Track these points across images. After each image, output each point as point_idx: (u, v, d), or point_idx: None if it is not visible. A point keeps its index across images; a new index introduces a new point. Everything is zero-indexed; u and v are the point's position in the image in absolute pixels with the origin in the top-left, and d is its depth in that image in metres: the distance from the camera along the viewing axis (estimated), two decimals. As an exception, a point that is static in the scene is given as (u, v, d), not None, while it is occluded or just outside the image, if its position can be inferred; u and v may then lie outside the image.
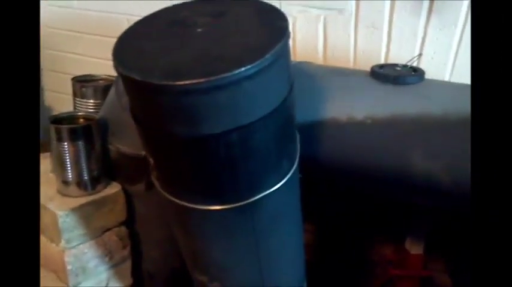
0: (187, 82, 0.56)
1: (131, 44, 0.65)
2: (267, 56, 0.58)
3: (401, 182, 0.82)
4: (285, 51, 0.63)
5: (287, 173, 0.73)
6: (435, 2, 1.11)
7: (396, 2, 1.15)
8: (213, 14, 0.68)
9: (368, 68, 0.95)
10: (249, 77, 0.57)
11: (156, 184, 0.75)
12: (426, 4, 1.12)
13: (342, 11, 1.22)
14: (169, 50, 0.62)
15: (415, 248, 1.32)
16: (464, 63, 1.11)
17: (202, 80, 0.56)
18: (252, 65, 0.57)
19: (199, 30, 0.65)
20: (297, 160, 0.76)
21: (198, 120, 0.60)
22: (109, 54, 1.59)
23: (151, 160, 0.71)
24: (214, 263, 0.82)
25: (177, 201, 0.72)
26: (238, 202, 0.70)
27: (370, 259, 1.45)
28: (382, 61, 1.20)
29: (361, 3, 1.19)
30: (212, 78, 0.56)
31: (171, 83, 0.56)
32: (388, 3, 1.16)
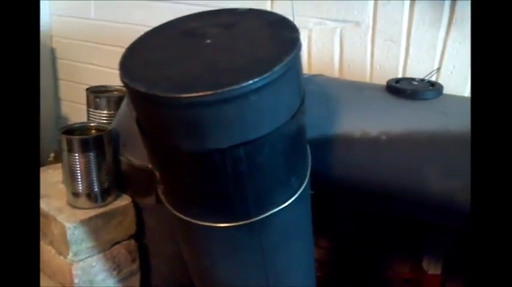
0: (192, 95, 0.54)
1: (139, 54, 0.64)
2: (276, 68, 0.55)
3: (417, 201, 0.78)
4: (296, 63, 0.61)
5: (297, 190, 0.71)
6: (455, 14, 1.08)
7: (414, 14, 1.12)
8: (223, 25, 0.67)
9: (385, 82, 0.92)
10: (257, 90, 0.55)
11: (162, 198, 0.73)
12: (446, 16, 1.09)
13: (358, 24, 1.19)
14: (177, 61, 0.61)
15: (432, 268, 1.28)
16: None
17: (208, 92, 0.54)
18: (260, 77, 0.55)
19: (208, 41, 0.63)
20: (307, 176, 0.73)
21: (204, 134, 0.58)
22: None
23: (157, 174, 0.69)
24: (221, 281, 0.79)
25: (183, 217, 0.70)
26: (245, 219, 0.68)
27: (385, 277, 1.41)
28: (399, 75, 1.17)
29: (379, 15, 1.17)
30: (219, 91, 0.54)
31: (176, 95, 0.54)
32: (406, 16, 1.13)
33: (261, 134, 0.59)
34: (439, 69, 0.95)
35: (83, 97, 1.40)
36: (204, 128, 0.57)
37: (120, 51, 1.58)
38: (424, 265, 1.29)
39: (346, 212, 1.15)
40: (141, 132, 0.65)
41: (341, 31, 1.22)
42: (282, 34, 0.62)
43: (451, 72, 1.11)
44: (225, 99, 0.54)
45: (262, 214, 0.68)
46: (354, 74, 1.22)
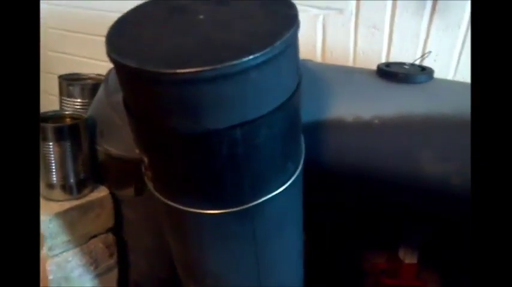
0: (189, 70, 0.50)
1: (126, 30, 0.59)
2: (278, 43, 0.53)
3: (411, 185, 0.77)
4: (295, 40, 0.58)
5: (292, 175, 0.68)
6: (438, 2, 1.08)
7: (398, 2, 1.12)
8: (215, 2, 0.63)
9: (368, 69, 0.91)
10: (258, 66, 0.52)
11: (150, 185, 0.69)
12: (429, 4, 1.09)
13: (342, 11, 1.18)
14: (169, 37, 0.57)
15: (409, 258, 1.29)
16: (468, 65, 1.07)
17: (206, 68, 0.50)
18: (261, 52, 0.51)
19: (201, 17, 0.59)
20: (301, 161, 0.70)
21: (200, 114, 0.54)
22: (97, 54, 1.53)
23: (145, 159, 0.65)
24: (210, 271, 0.76)
25: (173, 204, 0.66)
26: (239, 205, 0.65)
27: (361, 267, 1.41)
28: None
29: (362, 3, 1.15)
30: (218, 66, 0.50)
31: (171, 71, 0.50)
32: (389, 4, 1.13)
33: (261, 113, 0.56)
34: (430, 52, 0.94)
35: (52, 87, 1.33)
36: (201, 107, 0.54)
37: (93, 39, 1.51)
38: (401, 254, 1.30)
39: (328, 201, 1.14)
40: (128, 114, 0.61)
41: (324, 18, 1.20)
42: (279, 10, 0.59)
43: (434, 60, 1.11)
44: (224, 75, 0.51)
45: (257, 199, 0.65)
46: (336, 60, 1.21)
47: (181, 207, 0.65)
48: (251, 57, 0.51)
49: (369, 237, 1.36)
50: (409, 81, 0.81)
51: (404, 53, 1.14)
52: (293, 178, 0.68)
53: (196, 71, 0.50)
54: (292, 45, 0.57)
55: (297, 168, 0.69)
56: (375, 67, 0.90)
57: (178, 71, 0.50)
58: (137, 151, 0.68)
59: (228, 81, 0.52)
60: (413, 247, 1.30)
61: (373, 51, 1.17)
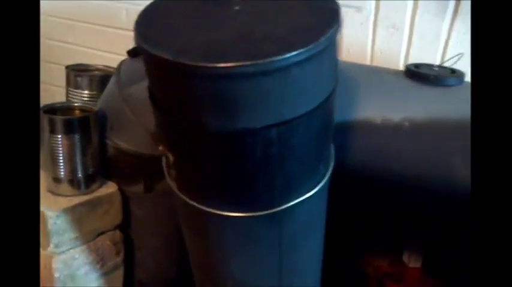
0: (228, 65, 0.47)
1: (157, 20, 0.56)
2: (322, 39, 0.49)
3: (440, 191, 0.74)
4: (337, 37, 0.55)
5: (322, 178, 0.65)
6: (461, 2, 1.05)
7: (419, 2, 1.09)
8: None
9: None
10: (300, 63, 0.49)
11: (173, 185, 0.66)
12: (451, 5, 1.06)
13: (360, 9, 1.15)
14: (204, 28, 0.53)
15: (413, 261, 1.27)
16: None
17: (246, 63, 0.47)
18: (305, 48, 0.48)
19: (236, 8, 0.56)
20: (332, 163, 0.67)
21: (236, 112, 0.51)
22: (104, 45, 1.48)
23: (170, 156, 0.62)
24: (231, 276, 0.73)
25: (197, 206, 0.63)
26: (268, 208, 0.62)
27: (364, 271, 1.39)
28: (401, 63, 1.13)
29: (382, 2, 1.13)
30: (259, 61, 0.47)
31: (209, 64, 0.47)
32: (410, 4, 1.10)
33: (299, 113, 0.53)
34: (462, 54, 0.91)
35: (56, 78, 1.29)
36: (237, 104, 0.50)
37: (99, 29, 1.46)
38: (405, 258, 1.28)
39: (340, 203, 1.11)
40: (155, 107, 0.58)
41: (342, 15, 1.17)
42: (321, 4, 0.56)
43: (452, 65, 1.08)
44: (264, 71, 0.48)
45: (287, 203, 0.62)
46: (353, 59, 1.17)
47: (206, 209, 0.62)
48: (294, 53, 0.48)
49: (373, 240, 1.34)
50: (440, 83, 0.78)
51: (424, 54, 1.11)
52: (323, 181, 0.65)
53: (235, 66, 0.47)
54: (335, 42, 0.54)
55: (327, 170, 0.66)
56: (393, 67, 0.87)
57: (217, 65, 0.47)
58: (160, 148, 0.64)
59: (267, 77, 0.49)
60: (417, 250, 1.28)
61: (392, 52, 1.14)
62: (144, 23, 0.55)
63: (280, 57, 0.48)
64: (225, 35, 0.52)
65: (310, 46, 0.49)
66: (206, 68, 0.47)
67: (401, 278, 1.28)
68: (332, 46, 0.53)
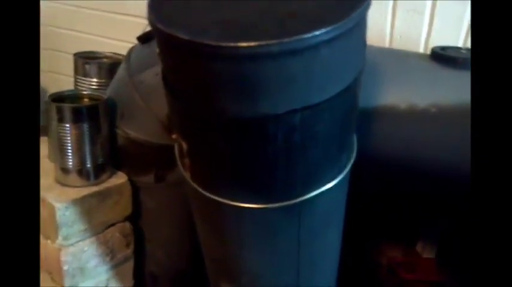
0: (252, 44, 0.43)
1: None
2: (353, 15, 0.45)
3: (467, 181, 0.70)
4: (366, 16, 0.51)
5: (344, 168, 0.61)
6: (486, -15, 1.00)
7: (441, -16, 1.04)
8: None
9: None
10: (329, 42, 0.45)
11: (186, 175, 0.62)
12: (475, -13, 1.01)
13: (378, -8, 1.10)
14: (223, 6, 0.49)
15: (427, 252, 1.24)
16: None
17: (272, 42, 0.43)
18: (334, 26, 0.44)
19: (257, -15, 0.52)
20: (354, 153, 0.64)
21: (258, 96, 0.47)
22: (112, 32, 1.43)
23: (184, 145, 0.58)
24: (247, 270, 0.69)
25: (213, 197, 0.59)
26: (288, 199, 0.58)
27: (377, 260, 1.36)
28: (421, 47, 1.09)
29: (401, -16, 1.08)
30: (285, 40, 0.43)
31: (231, 44, 0.43)
32: (432, -14, 1.05)
33: (325, 97, 0.49)
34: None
35: (63, 66, 1.25)
36: (260, 88, 0.46)
37: (107, 16, 1.41)
38: (419, 248, 1.26)
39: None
40: (169, 92, 0.54)
41: (359, -1, 1.12)
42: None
43: (476, 47, 1.03)
44: (291, 51, 0.44)
45: (307, 194, 0.58)
46: (371, 42, 1.13)
47: (222, 200, 0.58)
48: (323, 30, 0.44)
49: (388, 230, 1.31)
50: (469, 67, 0.73)
51: (445, 39, 1.06)
52: (345, 172, 0.61)
53: (259, 45, 0.43)
54: (365, 19, 0.50)
55: (349, 160, 0.62)
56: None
57: (239, 44, 0.43)
58: (174, 136, 0.60)
59: (295, 58, 0.45)
60: (431, 241, 1.25)
61: (412, 35, 1.10)
62: (158, 2, 0.51)
63: (309, 35, 0.44)
64: (246, 13, 0.48)
65: (341, 23, 0.45)
66: (227, 47, 0.44)
67: (414, 268, 1.26)
68: (362, 24, 0.49)
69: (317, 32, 0.43)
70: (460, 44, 1.05)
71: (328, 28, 0.44)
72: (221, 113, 0.49)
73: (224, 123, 0.51)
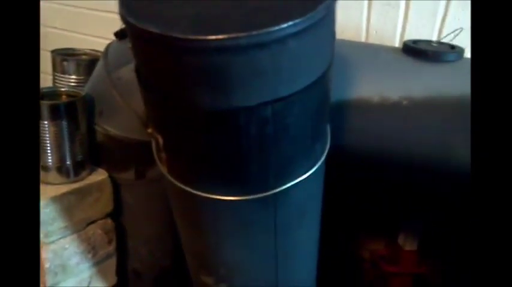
0: (221, 37, 0.44)
1: (143, -7, 0.52)
2: (320, 7, 0.46)
3: (439, 172, 0.72)
4: (334, 8, 0.52)
5: (318, 159, 0.63)
6: (459, -22, 1.02)
7: (415, -22, 1.06)
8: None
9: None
10: (297, 34, 0.46)
11: (163, 169, 0.63)
12: (448, -20, 1.03)
13: (354, -13, 1.12)
14: (193, 1, 0.50)
15: (409, 244, 1.26)
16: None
17: (241, 35, 0.44)
18: (302, 18, 0.45)
19: (226, -20, 0.53)
20: (328, 143, 0.65)
21: (229, 89, 0.48)
22: (92, 29, 1.43)
23: (159, 139, 0.59)
24: (225, 262, 0.70)
25: (189, 190, 0.60)
26: (262, 191, 0.59)
27: (359, 254, 1.37)
28: (397, 41, 1.11)
29: (376, -21, 1.09)
30: (253, 33, 0.44)
31: (201, 37, 0.44)
32: (406, -21, 1.07)
33: (295, 89, 0.50)
34: (462, 29, 0.89)
35: (42, 64, 1.23)
36: (230, 81, 0.47)
37: (88, 13, 1.39)
38: (400, 241, 1.27)
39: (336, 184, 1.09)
40: (142, 87, 0.55)
41: (335, -6, 1.14)
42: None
43: (451, 41, 1.06)
44: (260, 44, 0.45)
45: (282, 185, 0.59)
46: (347, 38, 1.15)
47: (198, 193, 0.59)
48: (291, 23, 0.45)
49: (369, 223, 1.33)
50: (439, 59, 0.75)
51: (420, 32, 1.08)
52: (319, 162, 0.63)
53: (227, 38, 0.44)
54: (332, 11, 0.51)
55: (323, 151, 0.64)
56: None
57: (208, 37, 0.44)
58: (149, 130, 0.61)
59: (263, 50, 0.46)
60: (413, 233, 1.27)
61: (387, 30, 1.11)
62: (129, -4, 0.52)
63: (276, 28, 0.44)
64: (215, 7, 0.49)
65: (308, 15, 0.46)
66: (196, 40, 0.44)
67: (397, 261, 1.28)
68: (330, 16, 0.50)
69: (284, 25, 0.44)
70: (434, 38, 1.07)
71: (296, 21, 0.45)
72: (194, 106, 0.50)
73: (197, 117, 0.52)
